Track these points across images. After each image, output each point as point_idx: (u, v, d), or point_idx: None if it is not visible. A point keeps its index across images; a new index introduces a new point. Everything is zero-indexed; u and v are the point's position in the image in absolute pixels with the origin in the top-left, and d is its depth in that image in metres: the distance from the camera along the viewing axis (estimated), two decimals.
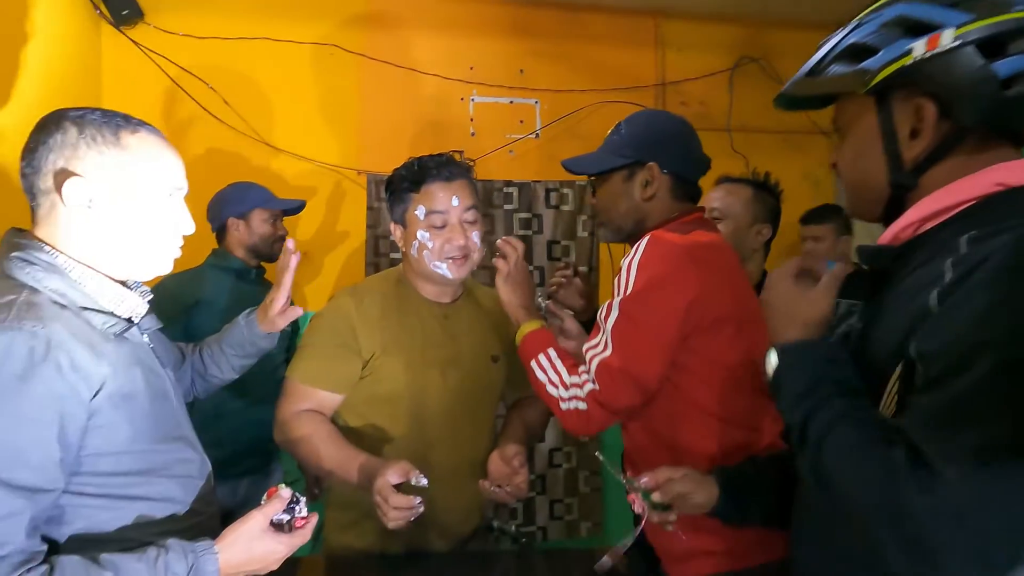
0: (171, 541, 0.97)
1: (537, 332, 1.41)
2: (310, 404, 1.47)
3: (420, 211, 1.46)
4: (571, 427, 1.31)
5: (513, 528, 2.73)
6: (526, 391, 1.65)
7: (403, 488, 1.28)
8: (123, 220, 1.01)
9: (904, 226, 0.85)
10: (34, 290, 0.95)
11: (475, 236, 1.49)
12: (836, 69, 0.88)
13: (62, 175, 0.97)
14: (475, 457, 1.54)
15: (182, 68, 2.60)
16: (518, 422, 1.63)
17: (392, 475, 1.27)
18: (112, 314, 1.02)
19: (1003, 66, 0.76)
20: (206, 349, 1.42)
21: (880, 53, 0.83)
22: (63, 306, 0.96)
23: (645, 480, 1.15)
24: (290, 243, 1.37)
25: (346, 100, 2.77)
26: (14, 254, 0.97)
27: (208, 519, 1.11)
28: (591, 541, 2.85)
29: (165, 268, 1.09)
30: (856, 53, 0.86)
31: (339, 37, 2.73)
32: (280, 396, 1.49)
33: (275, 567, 1.04)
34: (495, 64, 2.88)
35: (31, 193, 1.01)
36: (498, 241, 1.49)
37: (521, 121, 2.92)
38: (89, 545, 0.94)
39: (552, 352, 1.36)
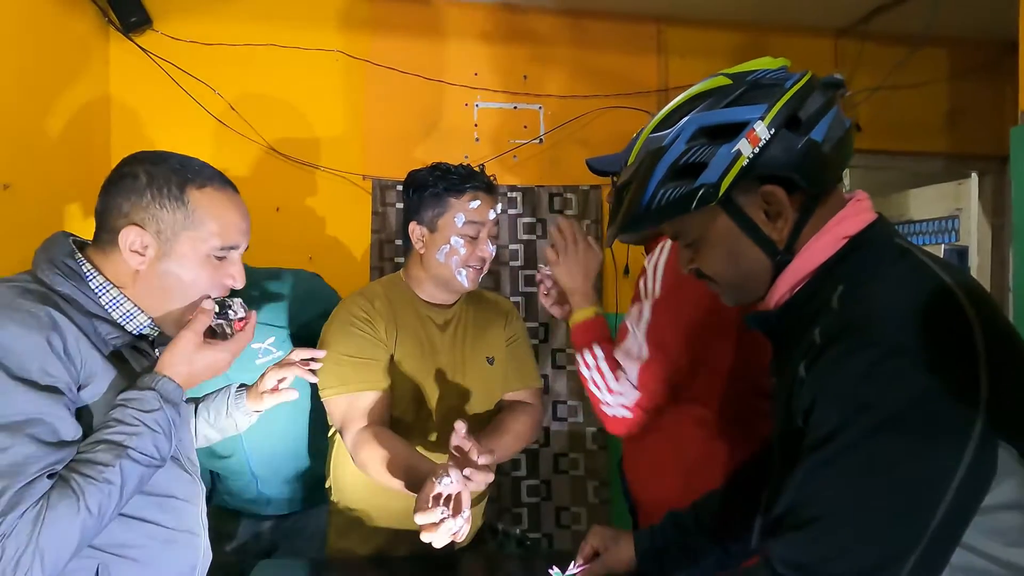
0: (121, 396, 0.96)
1: (586, 323, 1.39)
2: (360, 415, 1.40)
3: (459, 219, 1.47)
4: (613, 431, 1.32)
5: (517, 531, 2.73)
6: (518, 386, 1.64)
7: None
8: (171, 276, 1.04)
9: (781, 293, 0.91)
10: (47, 287, 0.98)
11: (493, 251, 1.52)
12: (672, 192, 0.90)
13: (124, 220, 1.01)
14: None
15: (189, 75, 2.62)
16: (505, 432, 1.54)
17: (425, 489, 1.15)
18: (121, 327, 1.03)
19: (816, 132, 0.86)
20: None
21: (710, 165, 0.88)
22: (69, 307, 0.97)
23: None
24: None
25: (351, 106, 2.79)
26: (45, 254, 1.01)
27: (200, 542, 1.11)
28: None
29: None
30: (683, 173, 0.90)
31: (344, 43, 2.75)
32: (332, 422, 1.46)
33: (226, 368, 1.06)
34: (499, 70, 2.90)
35: (98, 223, 1.05)
36: (550, 228, 1.47)
37: (525, 126, 2.94)
38: None
39: (598, 350, 1.34)
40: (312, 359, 1.37)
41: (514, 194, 2.89)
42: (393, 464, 1.33)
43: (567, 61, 2.95)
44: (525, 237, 2.88)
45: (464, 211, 1.47)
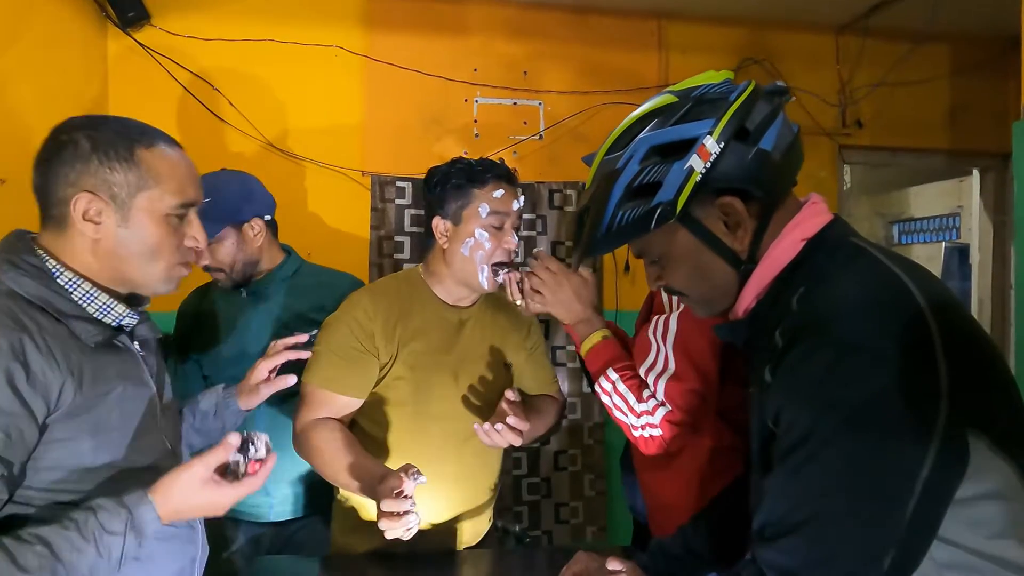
0: (99, 500, 0.91)
1: (595, 349, 1.35)
2: (328, 410, 1.44)
3: (483, 208, 1.45)
4: (648, 452, 1.28)
5: (517, 528, 2.73)
6: (543, 390, 1.66)
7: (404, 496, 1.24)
8: (130, 239, 0.99)
9: (747, 302, 0.93)
10: (12, 293, 0.93)
11: (517, 240, 1.50)
12: (631, 212, 0.92)
13: (73, 189, 0.96)
14: (485, 463, 1.54)
15: (188, 70, 2.61)
16: (533, 409, 1.58)
17: (392, 480, 1.22)
18: (99, 322, 0.99)
19: (765, 142, 0.89)
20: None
21: (664, 184, 0.89)
22: (43, 310, 0.93)
23: None
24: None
25: (350, 102, 2.78)
26: (4, 255, 0.96)
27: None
28: (596, 545, 2.84)
29: (163, 286, 1.05)
30: (639, 193, 0.91)
31: (343, 39, 2.74)
32: (297, 404, 1.47)
33: (221, 513, 0.98)
34: (499, 66, 2.89)
35: (41, 202, 1.00)
36: (529, 262, 1.44)
37: (525, 122, 2.93)
38: None
39: (612, 374, 1.30)
40: (296, 345, 1.35)
41: None
42: (346, 456, 1.36)
43: (567, 57, 2.94)
44: (525, 233, 2.87)
45: (488, 201, 1.45)
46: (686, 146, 0.88)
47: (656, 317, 1.31)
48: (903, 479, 0.74)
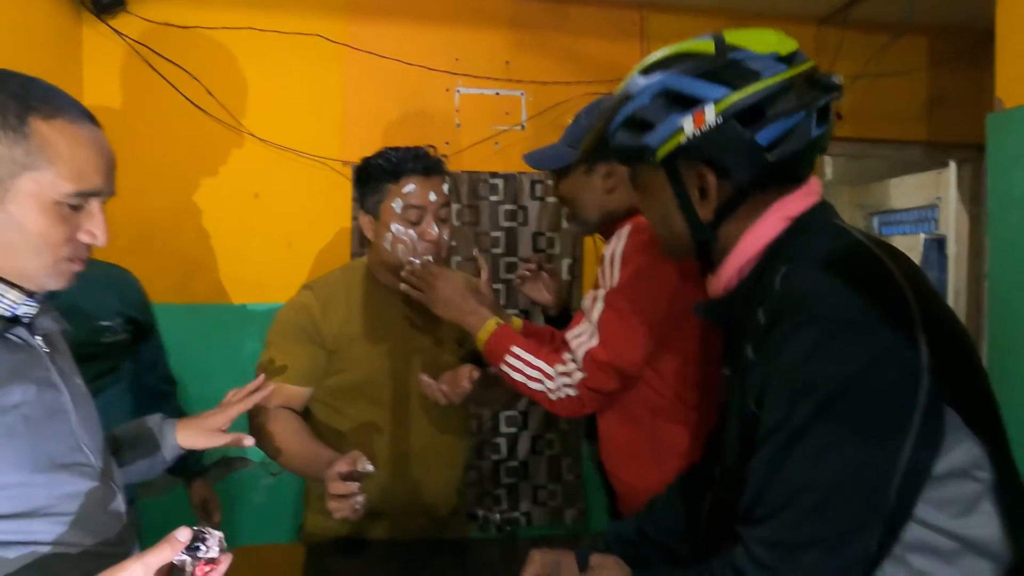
0: None
1: (492, 337, 1.37)
2: (278, 399, 1.47)
3: (397, 204, 1.46)
4: (563, 413, 1.33)
5: (498, 517, 2.75)
6: None
7: (352, 478, 1.27)
8: (7, 225, 0.83)
9: (728, 278, 0.93)
10: None
11: (445, 233, 1.50)
12: (622, 139, 0.94)
13: None
14: (446, 439, 1.57)
15: (165, 58, 2.58)
16: (490, 380, 1.59)
17: (339, 464, 1.25)
18: None
19: (763, 136, 0.84)
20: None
21: (656, 129, 0.89)
22: None
23: None
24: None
25: (330, 91, 2.76)
26: None
27: (114, 560, 0.83)
28: (575, 529, 2.87)
29: (49, 283, 0.89)
30: (636, 125, 0.92)
31: (323, 27, 2.71)
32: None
33: None
34: (481, 56, 2.87)
35: None
36: (402, 274, 1.46)
37: (507, 113, 2.92)
38: None
39: (517, 349, 1.34)
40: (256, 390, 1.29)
41: (495, 181, 2.88)
42: (297, 443, 1.41)
43: (550, 47, 2.93)
44: (506, 224, 2.87)
45: (400, 196, 1.46)
46: (691, 103, 0.87)
47: (591, 291, 1.34)
48: (889, 455, 0.75)
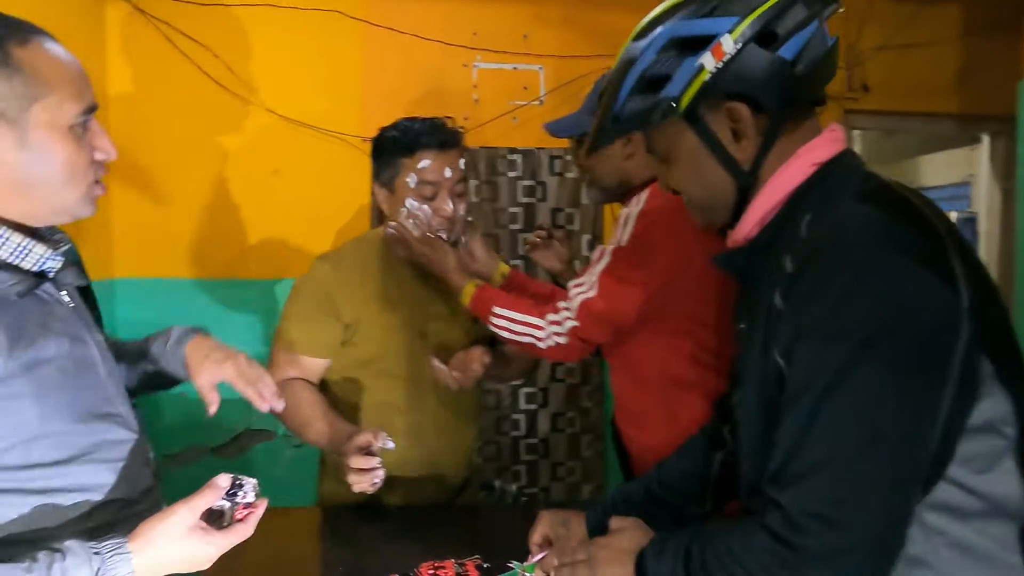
0: (69, 543, 0.78)
1: (474, 298, 1.42)
2: (295, 371, 1.48)
3: (411, 179, 1.45)
4: (553, 358, 1.39)
5: (514, 488, 2.77)
6: None
7: (371, 453, 1.29)
8: (35, 163, 0.82)
9: (749, 227, 0.89)
10: None
11: (461, 208, 1.49)
12: (636, 105, 0.89)
13: None
14: (460, 409, 1.58)
15: (186, 35, 2.60)
16: (503, 357, 1.63)
17: (360, 438, 1.27)
18: (16, 268, 0.85)
19: (787, 50, 0.83)
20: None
21: (674, 78, 0.86)
22: None
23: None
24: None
25: (350, 66, 2.77)
26: None
27: (149, 510, 0.90)
28: (591, 502, 2.87)
29: (84, 210, 0.89)
30: (649, 85, 0.88)
31: (342, 3, 2.71)
32: (268, 366, 1.49)
33: (206, 566, 0.85)
34: (499, 30, 2.85)
35: None
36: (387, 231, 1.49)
37: (525, 87, 2.90)
38: None
39: (499, 308, 1.38)
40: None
41: (514, 156, 2.87)
42: (315, 415, 1.42)
43: (568, 20, 2.90)
44: (525, 200, 2.86)
45: (415, 171, 1.45)
46: (703, 42, 0.84)
47: (600, 246, 1.36)
48: (931, 404, 0.71)
